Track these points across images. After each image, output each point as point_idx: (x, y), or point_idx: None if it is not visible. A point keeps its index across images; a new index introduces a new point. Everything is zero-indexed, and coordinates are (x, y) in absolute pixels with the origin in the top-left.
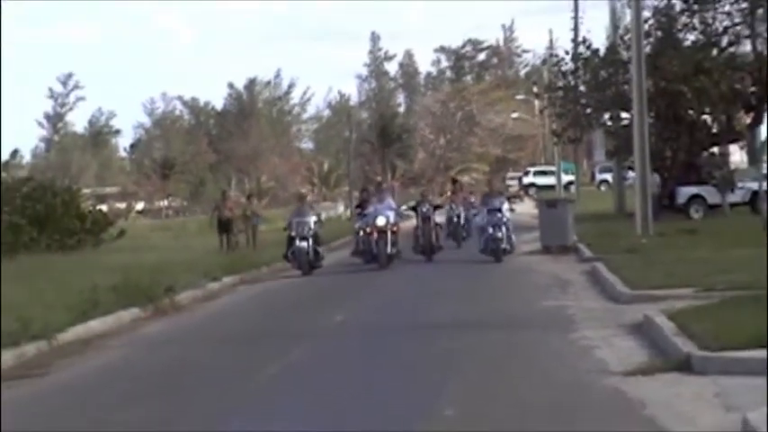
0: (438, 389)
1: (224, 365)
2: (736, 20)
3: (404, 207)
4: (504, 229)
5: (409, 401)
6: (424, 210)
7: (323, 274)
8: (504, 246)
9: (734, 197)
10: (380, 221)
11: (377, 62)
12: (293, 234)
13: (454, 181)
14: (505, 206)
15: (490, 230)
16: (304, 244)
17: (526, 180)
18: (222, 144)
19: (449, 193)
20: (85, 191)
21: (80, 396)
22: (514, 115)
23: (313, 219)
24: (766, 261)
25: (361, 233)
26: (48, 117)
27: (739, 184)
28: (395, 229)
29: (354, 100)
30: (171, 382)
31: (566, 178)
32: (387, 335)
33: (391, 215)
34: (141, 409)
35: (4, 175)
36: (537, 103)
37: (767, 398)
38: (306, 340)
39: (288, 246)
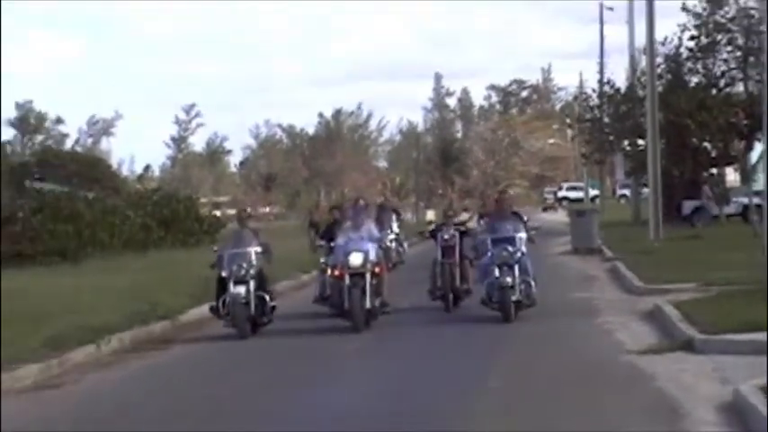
0: (487, 363)
1: (312, 340)
2: (732, 66)
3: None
4: (516, 270)
5: (462, 374)
6: (446, 237)
7: (271, 334)
8: (516, 297)
9: (729, 209)
10: (355, 260)
11: (439, 97)
12: (225, 274)
13: (501, 193)
14: (521, 234)
15: (496, 273)
16: (241, 290)
17: (560, 194)
18: (313, 162)
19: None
20: (203, 199)
21: (198, 365)
22: (551, 141)
23: (256, 249)
24: (767, 265)
25: (329, 275)
26: (173, 139)
27: (733, 199)
28: (377, 269)
29: (421, 127)
30: (270, 353)
31: (592, 192)
32: None
33: (372, 249)
34: (250, 375)
35: (138, 186)
36: (569, 131)
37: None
38: None
39: (217, 293)
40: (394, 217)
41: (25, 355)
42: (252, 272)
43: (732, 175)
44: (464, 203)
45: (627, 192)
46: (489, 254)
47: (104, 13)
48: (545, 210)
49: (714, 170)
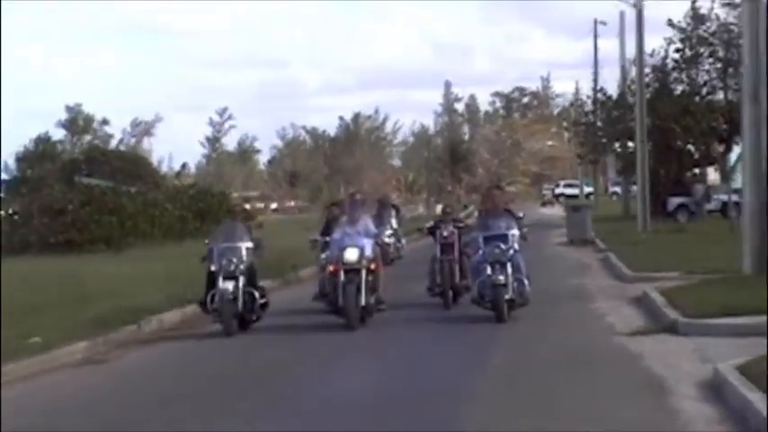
0: (488, 346)
1: (302, 337)
2: (713, 76)
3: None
4: (509, 268)
5: (469, 345)
6: (445, 234)
7: (260, 331)
8: (509, 296)
9: (710, 206)
10: (350, 255)
11: (449, 102)
12: (214, 268)
13: (491, 189)
14: (514, 231)
15: (488, 271)
16: (230, 285)
17: (557, 190)
18: (334, 161)
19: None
20: (234, 194)
21: (224, 345)
22: (549, 143)
23: (247, 245)
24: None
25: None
26: (208, 139)
27: (714, 196)
28: (373, 266)
29: (432, 130)
30: (293, 330)
31: (586, 189)
32: None
33: (368, 245)
34: (272, 351)
35: (176, 182)
36: (566, 134)
37: None
38: None
39: (206, 287)
40: (393, 213)
41: (74, 333)
42: (242, 267)
43: (713, 175)
44: (470, 199)
45: (618, 189)
46: (481, 252)
47: (148, 25)
48: (543, 205)
49: (696, 170)
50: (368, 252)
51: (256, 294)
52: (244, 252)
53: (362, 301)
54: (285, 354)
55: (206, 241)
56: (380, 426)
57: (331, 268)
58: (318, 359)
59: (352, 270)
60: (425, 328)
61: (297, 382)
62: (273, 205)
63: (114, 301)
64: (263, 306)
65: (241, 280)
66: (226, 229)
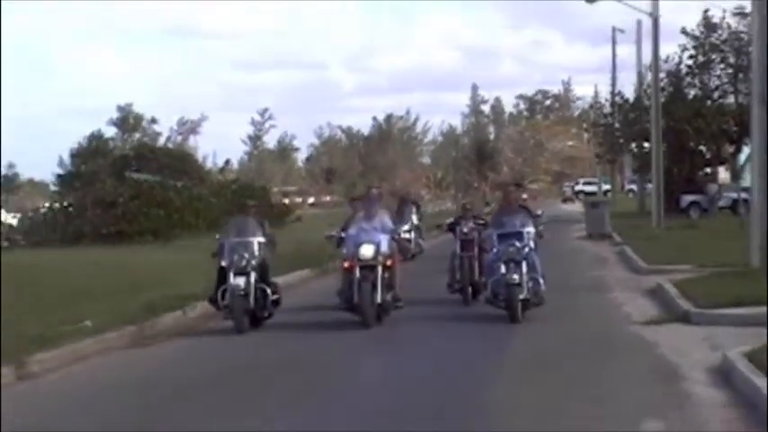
0: (508, 338)
1: (315, 336)
2: (724, 80)
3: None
4: (524, 267)
5: (488, 340)
6: (465, 230)
7: (273, 329)
8: (524, 295)
9: (721, 203)
10: (366, 251)
11: (475, 104)
12: (225, 264)
13: (515, 186)
14: (529, 229)
15: (502, 269)
16: (241, 281)
17: (577, 188)
18: (368, 159)
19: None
20: (274, 189)
21: (236, 342)
22: (570, 143)
23: (259, 240)
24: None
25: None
26: (250, 138)
27: (724, 194)
28: (389, 262)
29: (459, 130)
30: (306, 328)
31: (604, 187)
32: None
33: (384, 241)
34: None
35: (219, 177)
36: (586, 134)
37: None
38: None
39: (217, 283)
40: (414, 209)
41: (123, 318)
42: (254, 263)
43: (723, 174)
44: (494, 196)
45: (634, 187)
46: (495, 250)
47: (195, 28)
48: (564, 201)
49: (708, 169)
50: (384, 248)
51: (268, 291)
52: (256, 247)
53: (378, 299)
54: (297, 353)
55: (217, 236)
56: (394, 426)
57: (346, 264)
58: (331, 357)
59: (368, 266)
60: (443, 326)
61: (307, 381)
62: (311, 200)
63: (161, 288)
64: (276, 303)
65: (252, 276)
66: (237, 223)
